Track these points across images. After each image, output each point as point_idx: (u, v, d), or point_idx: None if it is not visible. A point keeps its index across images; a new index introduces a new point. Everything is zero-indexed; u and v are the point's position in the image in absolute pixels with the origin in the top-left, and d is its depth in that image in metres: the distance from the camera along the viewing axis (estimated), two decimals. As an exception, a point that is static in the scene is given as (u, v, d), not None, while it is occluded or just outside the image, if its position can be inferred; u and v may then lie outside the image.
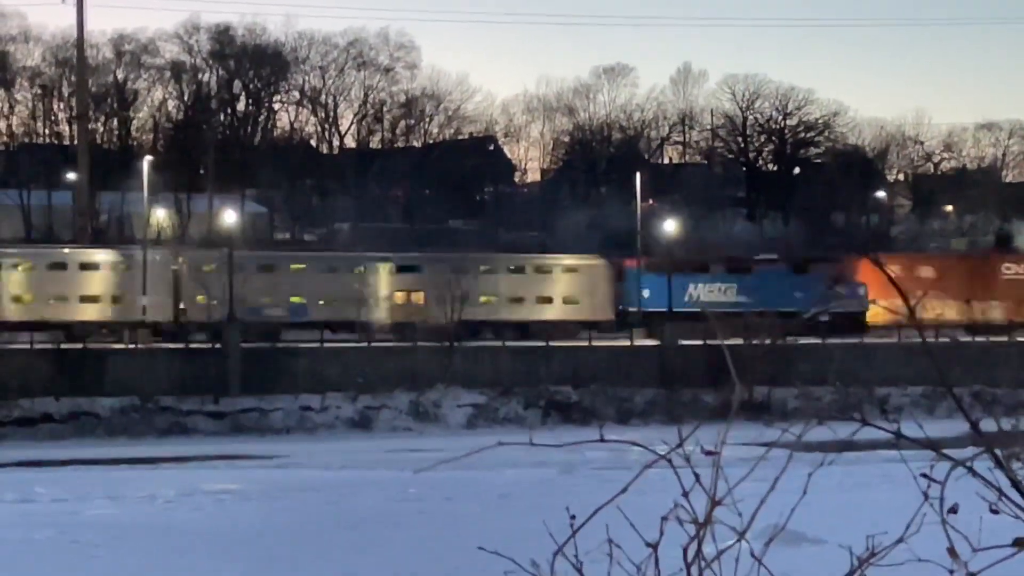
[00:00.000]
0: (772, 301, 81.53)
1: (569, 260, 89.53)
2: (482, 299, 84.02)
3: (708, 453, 4.13)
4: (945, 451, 4.14)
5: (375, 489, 40.63)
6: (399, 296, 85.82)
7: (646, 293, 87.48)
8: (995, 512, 4.08)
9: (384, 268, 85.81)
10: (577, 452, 46.25)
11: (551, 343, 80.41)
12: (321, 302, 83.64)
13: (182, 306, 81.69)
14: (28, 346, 75.28)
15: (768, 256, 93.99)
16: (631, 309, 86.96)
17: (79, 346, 75.63)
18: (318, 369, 75.26)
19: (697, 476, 4.06)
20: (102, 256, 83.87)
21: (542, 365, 77.95)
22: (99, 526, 30.84)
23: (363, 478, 46.38)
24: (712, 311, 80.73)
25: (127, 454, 60.98)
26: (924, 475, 4.10)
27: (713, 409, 66.25)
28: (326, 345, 78.47)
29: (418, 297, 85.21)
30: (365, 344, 79.60)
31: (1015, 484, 4.02)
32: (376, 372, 75.21)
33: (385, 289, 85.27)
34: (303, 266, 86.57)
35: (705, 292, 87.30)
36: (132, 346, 77.45)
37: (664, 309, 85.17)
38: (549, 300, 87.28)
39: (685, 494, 4.00)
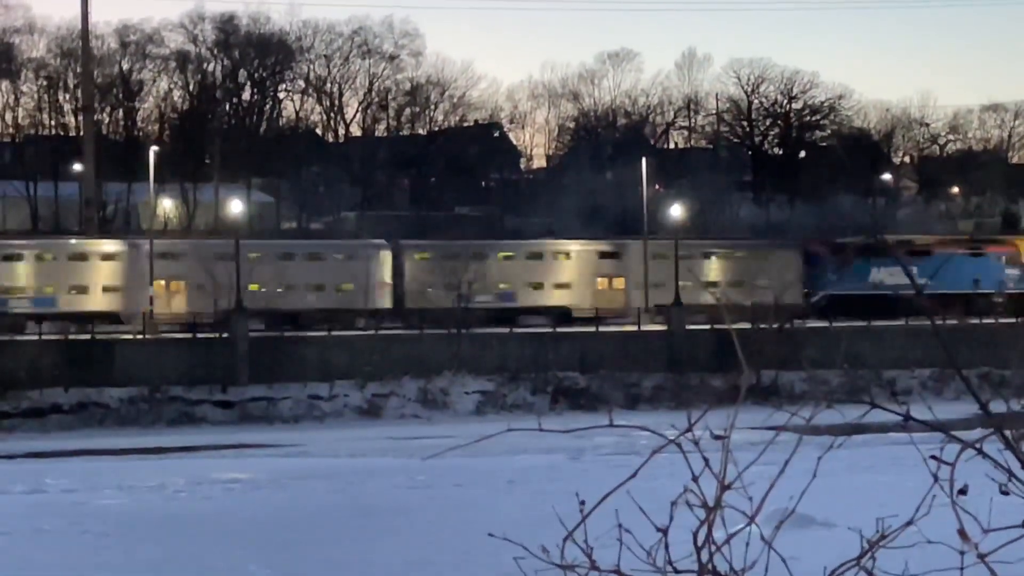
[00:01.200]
0: (951, 283, 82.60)
1: (761, 247, 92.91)
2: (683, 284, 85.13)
3: (717, 437, 4.13)
4: (954, 433, 4.13)
5: (384, 476, 40.68)
6: (601, 282, 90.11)
7: (833, 278, 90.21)
8: (1005, 493, 4.08)
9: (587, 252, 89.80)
10: (586, 438, 46.32)
11: (558, 329, 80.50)
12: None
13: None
14: (37, 337, 75.30)
15: (947, 237, 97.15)
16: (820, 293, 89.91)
17: (87, 336, 75.68)
18: (326, 357, 75.28)
19: (707, 460, 4.06)
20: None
21: (550, 351, 77.92)
22: (109, 516, 30.90)
23: (372, 465, 46.44)
24: (902, 293, 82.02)
25: (136, 444, 61.08)
26: (934, 457, 4.10)
27: (721, 393, 66.22)
28: (334, 333, 78.49)
29: (619, 282, 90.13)
30: (372, 332, 79.67)
31: (1025, 465, 4.02)
32: (384, 359, 75.24)
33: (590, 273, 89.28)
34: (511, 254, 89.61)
35: (887, 275, 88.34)
36: (140, 336, 77.48)
37: (849, 292, 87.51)
38: (740, 284, 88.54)
39: (695, 478, 4.00)
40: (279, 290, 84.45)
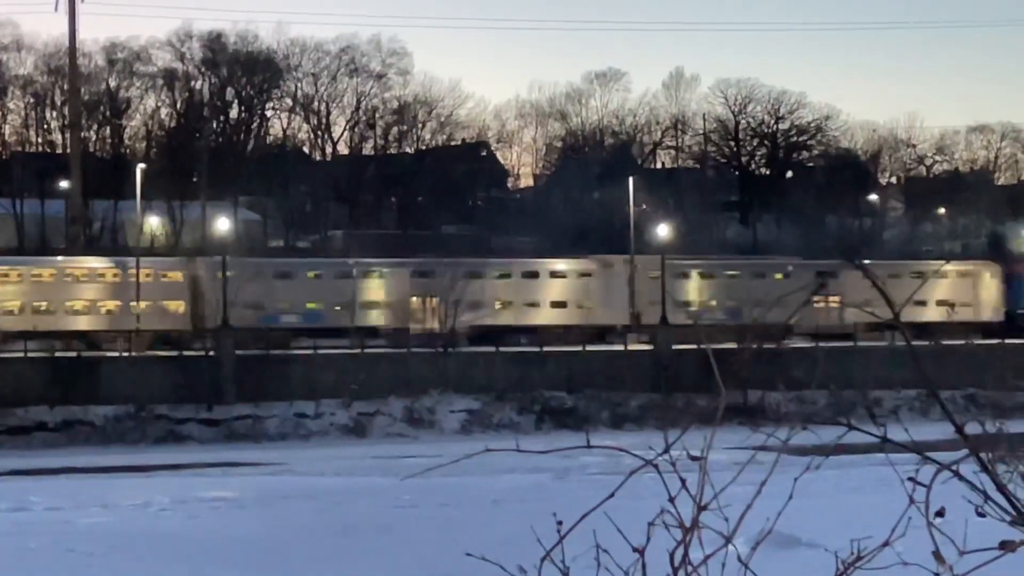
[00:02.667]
0: None
1: (957, 265, 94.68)
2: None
3: (693, 458, 4.15)
4: (930, 454, 4.15)
5: (369, 496, 40.62)
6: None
7: None
8: (981, 515, 4.10)
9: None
10: (571, 457, 46.28)
11: (545, 348, 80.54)
12: None
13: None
14: (22, 354, 75.15)
15: None
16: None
17: (73, 354, 75.55)
18: (312, 376, 75.20)
19: (683, 481, 4.08)
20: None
21: (536, 370, 77.91)
22: (94, 534, 30.82)
23: (357, 485, 46.37)
24: None
25: (121, 462, 60.93)
26: (911, 479, 4.11)
27: (703, 413, 66.23)
28: (320, 352, 78.42)
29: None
30: (359, 350, 79.63)
31: (1000, 487, 4.04)
32: (370, 378, 75.16)
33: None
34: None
35: None
36: (126, 354, 77.37)
37: None
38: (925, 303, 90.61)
39: (672, 499, 4.02)
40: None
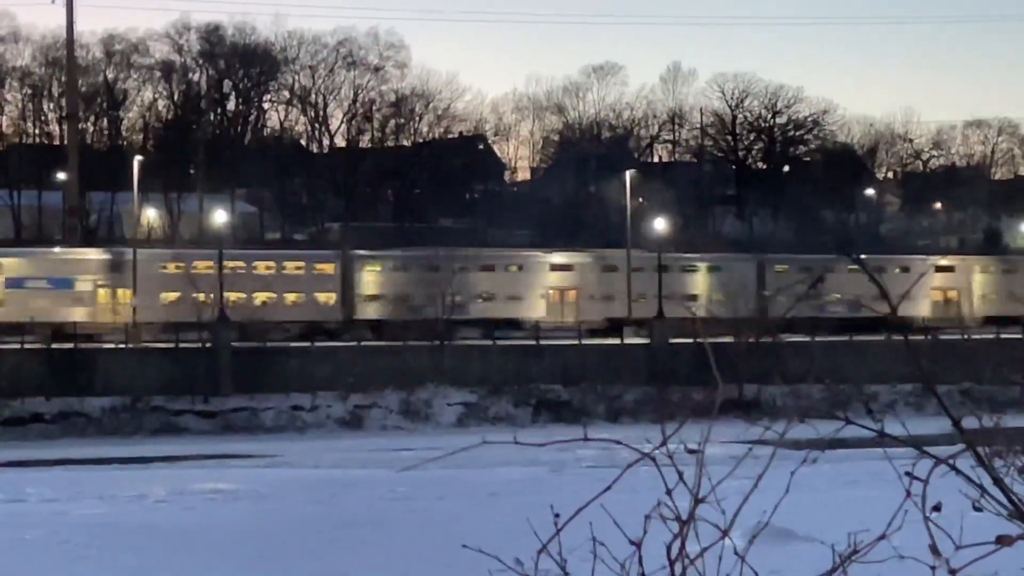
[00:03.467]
0: None
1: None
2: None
3: (691, 451, 4.15)
4: (928, 449, 4.16)
5: (365, 488, 40.64)
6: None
7: None
8: (978, 510, 4.10)
9: None
10: (567, 450, 46.34)
11: (541, 342, 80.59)
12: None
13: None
14: (19, 346, 75.12)
15: None
16: None
17: (69, 346, 75.53)
18: (309, 368, 75.20)
19: (680, 474, 4.08)
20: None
21: (533, 364, 77.93)
22: (90, 526, 30.83)
23: (353, 477, 46.38)
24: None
25: (118, 454, 60.88)
26: (908, 473, 4.12)
27: (699, 406, 66.26)
28: (316, 344, 78.42)
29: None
30: (355, 343, 79.66)
31: (997, 482, 4.05)
32: (366, 371, 75.16)
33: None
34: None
35: None
36: (122, 346, 77.35)
37: None
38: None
39: (669, 492, 4.02)
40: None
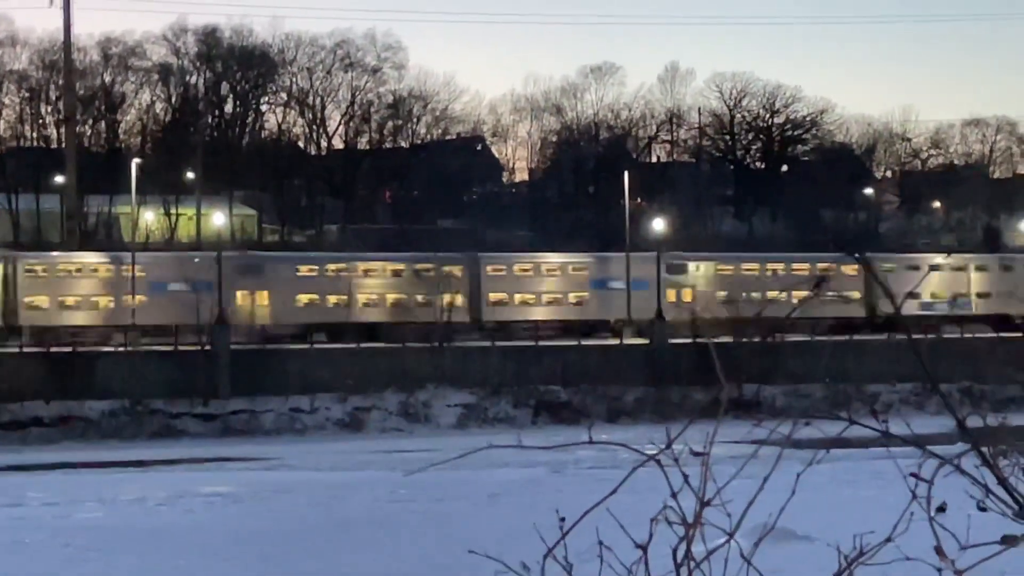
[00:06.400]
0: None
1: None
2: None
3: (696, 454, 4.14)
4: (932, 449, 4.15)
5: (365, 490, 40.63)
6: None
7: None
8: (983, 510, 4.09)
9: None
10: (567, 452, 46.28)
11: (540, 343, 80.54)
12: None
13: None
14: (17, 350, 75.07)
15: None
16: None
17: (68, 349, 75.44)
18: (308, 370, 75.12)
19: (686, 476, 4.06)
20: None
21: (532, 365, 77.85)
22: (90, 529, 30.83)
23: (353, 479, 46.37)
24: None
25: (117, 457, 60.88)
26: (913, 474, 4.11)
27: (702, 408, 66.24)
28: (316, 346, 78.38)
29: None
30: (355, 345, 79.60)
31: (1002, 482, 4.04)
32: (366, 372, 75.09)
33: None
34: None
35: None
36: (122, 349, 77.27)
37: None
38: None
39: (674, 495, 4.01)
40: None
